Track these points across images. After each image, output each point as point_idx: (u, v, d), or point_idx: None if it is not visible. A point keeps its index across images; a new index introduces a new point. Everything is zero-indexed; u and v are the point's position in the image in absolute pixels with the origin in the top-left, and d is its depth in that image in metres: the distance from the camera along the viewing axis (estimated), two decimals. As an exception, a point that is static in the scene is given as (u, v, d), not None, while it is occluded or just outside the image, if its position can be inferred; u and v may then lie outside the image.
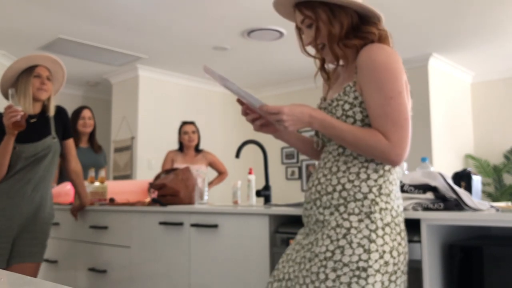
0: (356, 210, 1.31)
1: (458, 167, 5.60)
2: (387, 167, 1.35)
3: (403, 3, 4.12)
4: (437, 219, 1.47)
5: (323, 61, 1.49)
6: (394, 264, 1.29)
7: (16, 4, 4.10)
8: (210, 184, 4.12)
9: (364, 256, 1.26)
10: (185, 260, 2.28)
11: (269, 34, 4.87)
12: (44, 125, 2.48)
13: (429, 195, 1.58)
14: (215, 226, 2.14)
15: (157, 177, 2.83)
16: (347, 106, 1.34)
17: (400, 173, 1.42)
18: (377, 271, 1.26)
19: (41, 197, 2.44)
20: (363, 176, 1.33)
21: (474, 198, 1.74)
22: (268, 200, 2.66)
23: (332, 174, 1.37)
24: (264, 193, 2.64)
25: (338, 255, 1.28)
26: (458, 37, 4.97)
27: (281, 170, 6.97)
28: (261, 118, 1.41)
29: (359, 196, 1.32)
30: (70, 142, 2.63)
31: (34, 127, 2.42)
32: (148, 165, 6.02)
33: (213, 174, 4.27)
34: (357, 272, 1.26)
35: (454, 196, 1.54)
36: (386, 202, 1.33)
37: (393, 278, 1.29)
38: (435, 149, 5.53)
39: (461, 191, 1.55)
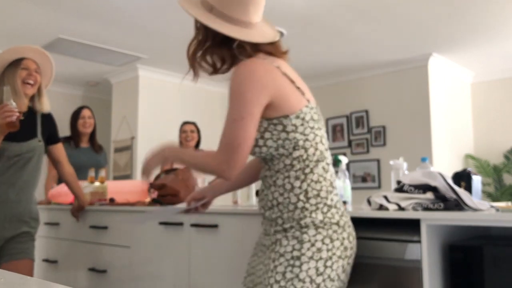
0: (290, 220, 1.40)
1: (458, 167, 5.60)
2: (307, 170, 1.38)
3: (403, 3, 4.12)
4: (437, 219, 1.47)
5: None
6: (328, 250, 1.36)
7: (16, 4, 4.10)
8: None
9: (297, 246, 1.36)
10: (185, 260, 2.28)
11: (269, 34, 4.86)
12: (31, 126, 2.38)
13: (429, 195, 1.58)
14: (215, 226, 2.14)
15: (157, 177, 2.83)
16: None
17: (329, 160, 1.44)
18: (311, 258, 1.35)
19: (26, 203, 2.34)
20: (288, 186, 1.40)
21: (474, 198, 1.74)
22: (268, 200, 2.66)
23: (267, 189, 1.45)
24: (264, 193, 2.64)
25: (277, 246, 1.40)
26: (458, 37, 4.97)
27: (281, 170, 6.96)
28: (200, 199, 1.69)
29: (291, 207, 1.40)
30: (60, 147, 2.58)
31: (21, 126, 2.24)
32: (148, 165, 6.01)
33: (213, 174, 4.26)
34: (291, 262, 1.35)
35: (454, 196, 1.54)
36: (316, 204, 1.38)
37: (328, 263, 1.36)
38: (435, 149, 5.53)
39: (461, 191, 1.55)
